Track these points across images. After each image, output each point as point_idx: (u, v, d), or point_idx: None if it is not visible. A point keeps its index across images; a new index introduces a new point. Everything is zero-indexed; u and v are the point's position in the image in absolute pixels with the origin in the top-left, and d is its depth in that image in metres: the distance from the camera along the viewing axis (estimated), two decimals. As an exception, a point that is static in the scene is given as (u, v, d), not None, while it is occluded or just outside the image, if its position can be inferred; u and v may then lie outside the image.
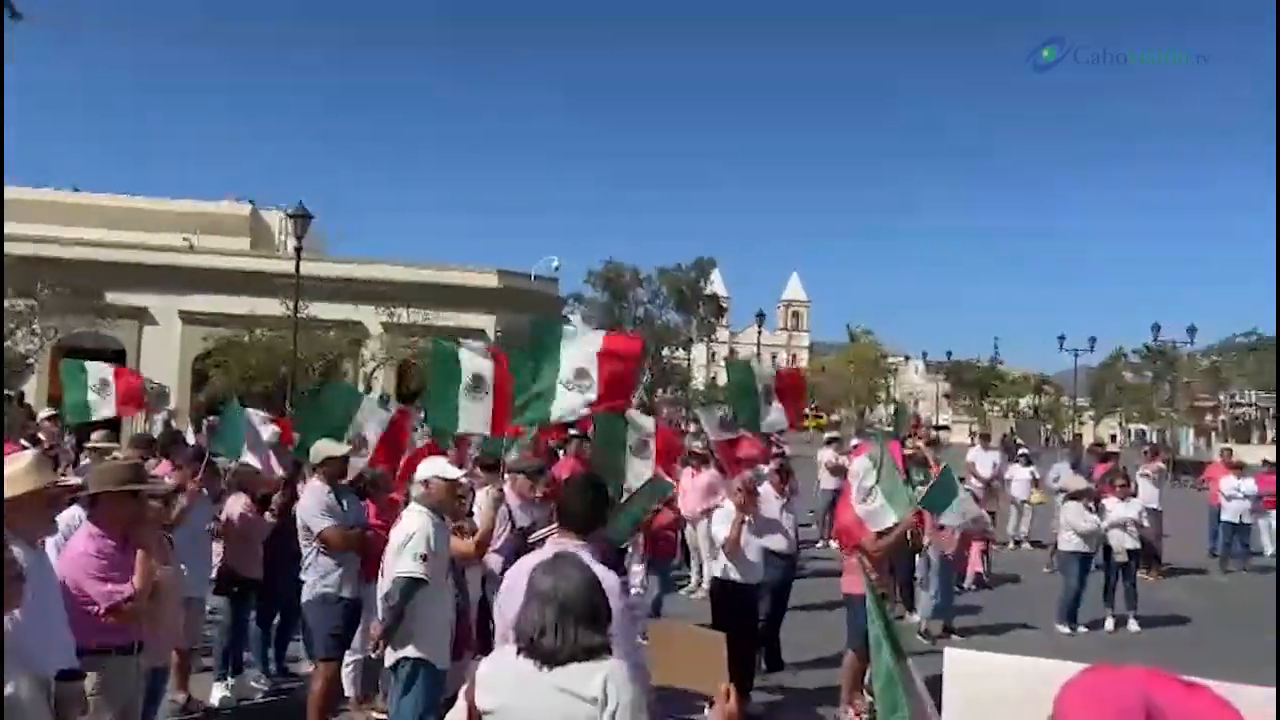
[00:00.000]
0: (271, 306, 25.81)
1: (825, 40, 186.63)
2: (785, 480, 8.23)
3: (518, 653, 2.64)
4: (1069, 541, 10.47)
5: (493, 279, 31.93)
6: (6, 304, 21.08)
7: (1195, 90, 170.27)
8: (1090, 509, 10.49)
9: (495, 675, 2.71)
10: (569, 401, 6.34)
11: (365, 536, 6.06)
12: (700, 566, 11.24)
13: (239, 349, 25.79)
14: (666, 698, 5.24)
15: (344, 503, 6.11)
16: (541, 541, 4.54)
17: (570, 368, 6.31)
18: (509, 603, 3.35)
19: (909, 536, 9.30)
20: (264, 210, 37.18)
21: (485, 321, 29.70)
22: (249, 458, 7.27)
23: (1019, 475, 16.24)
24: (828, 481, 14.80)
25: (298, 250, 22.50)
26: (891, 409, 24.12)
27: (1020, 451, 17.63)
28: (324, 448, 6.18)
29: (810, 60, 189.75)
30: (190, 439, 10.77)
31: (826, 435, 18.92)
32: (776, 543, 7.95)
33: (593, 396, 6.33)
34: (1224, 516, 14.98)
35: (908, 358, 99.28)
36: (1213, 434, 62.26)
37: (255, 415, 8.08)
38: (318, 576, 5.95)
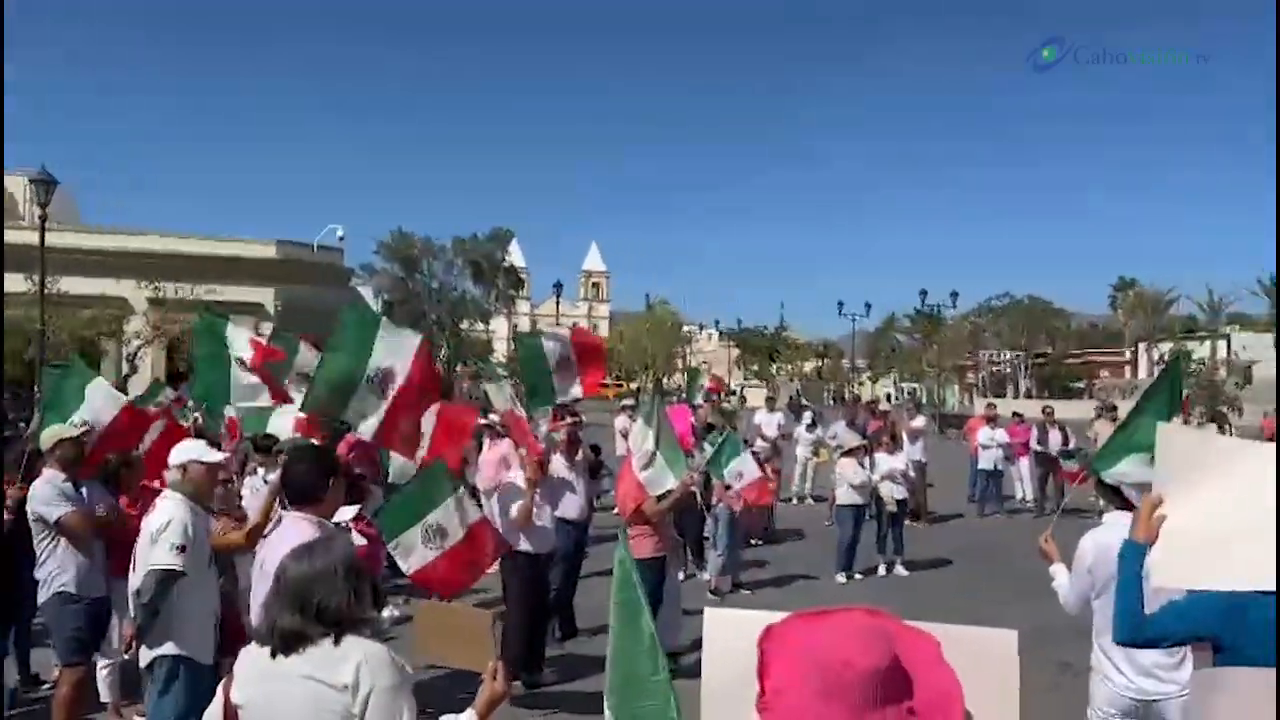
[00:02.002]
0: (15, 282, 23.25)
1: (627, 16, 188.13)
2: (574, 448, 8.22)
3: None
4: (845, 495, 11.11)
5: (271, 250, 30.24)
6: None
7: (963, 66, 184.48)
8: (862, 464, 11.18)
9: (247, 666, 2.59)
10: (366, 401, 5.95)
11: (111, 520, 5.53)
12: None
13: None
14: (442, 684, 5.15)
15: (83, 490, 5.56)
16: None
17: (377, 364, 5.95)
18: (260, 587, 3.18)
19: (698, 496, 9.60)
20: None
21: (264, 295, 28.09)
22: None
23: (804, 434, 17.10)
24: (623, 447, 15.00)
25: (42, 219, 20.40)
26: (689, 375, 24.86)
27: (805, 412, 18.57)
28: (56, 431, 5.60)
29: (610, 33, 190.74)
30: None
31: (622, 402, 19.27)
32: (569, 510, 7.97)
33: (385, 405, 5.97)
34: (980, 465, 16.38)
35: (702, 326, 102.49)
36: (974, 390, 68.14)
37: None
38: (53, 574, 5.40)
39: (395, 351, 6.00)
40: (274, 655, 2.47)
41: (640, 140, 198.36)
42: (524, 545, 7.10)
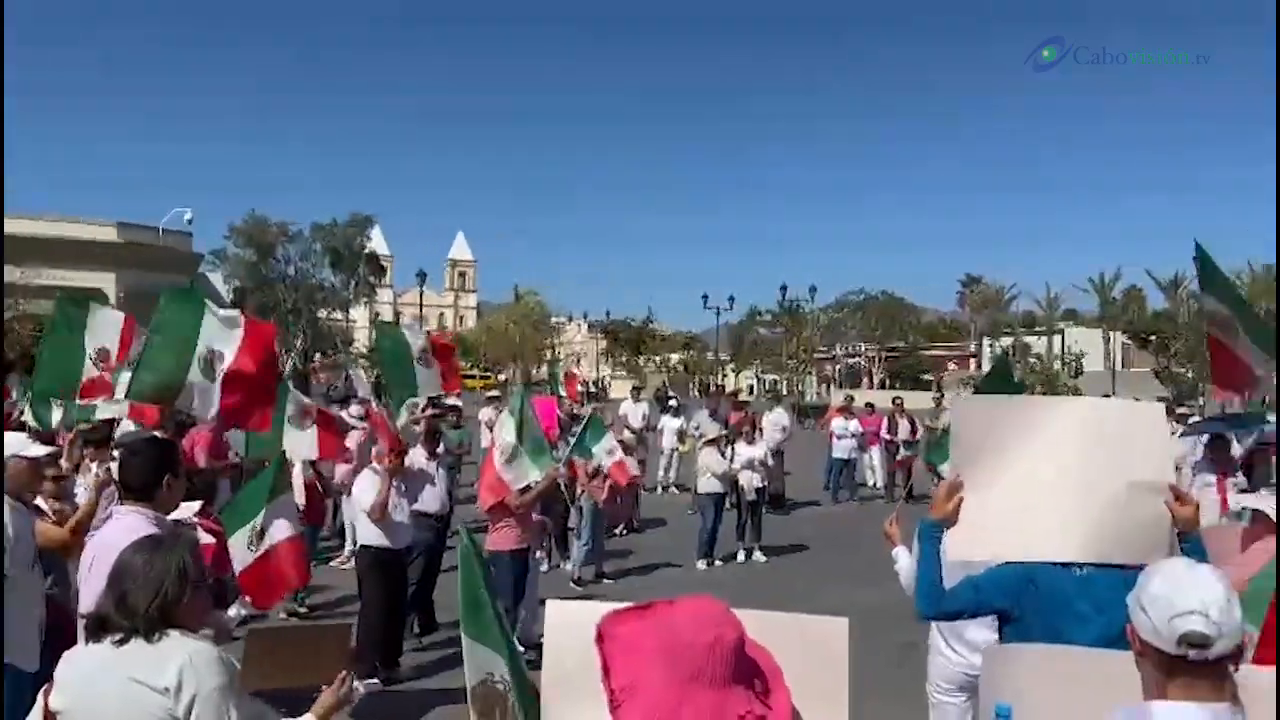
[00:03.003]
0: None
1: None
2: (434, 441, 8.06)
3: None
4: (706, 484, 11.32)
5: (112, 232, 28.46)
6: None
7: (807, 73, 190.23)
8: (723, 453, 11.42)
9: (68, 671, 2.48)
10: (198, 387, 5.70)
11: None
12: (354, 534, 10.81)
13: None
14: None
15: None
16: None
17: (206, 346, 5.68)
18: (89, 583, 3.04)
19: (563, 488, 9.59)
20: None
21: (104, 280, 26.37)
22: None
23: (669, 425, 17.30)
24: (488, 439, 14.81)
25: None
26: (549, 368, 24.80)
27: (671, 403, 18.80)
28: None
29: (477, 20, 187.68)
30: None
31: (487, 394, 19.11)
32: (428, 504, 7.82)
33: (217, 385, 5.75)
34: (835, 454, 16.98)
35: (570, 317, 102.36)
36: (831, 381, 70.57)
37: None
38: None
39: (223, 335, 5.77)
40: (86, 642, 2.41)
41: (509, 135, 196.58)
42: (381, 541, 6.95)
